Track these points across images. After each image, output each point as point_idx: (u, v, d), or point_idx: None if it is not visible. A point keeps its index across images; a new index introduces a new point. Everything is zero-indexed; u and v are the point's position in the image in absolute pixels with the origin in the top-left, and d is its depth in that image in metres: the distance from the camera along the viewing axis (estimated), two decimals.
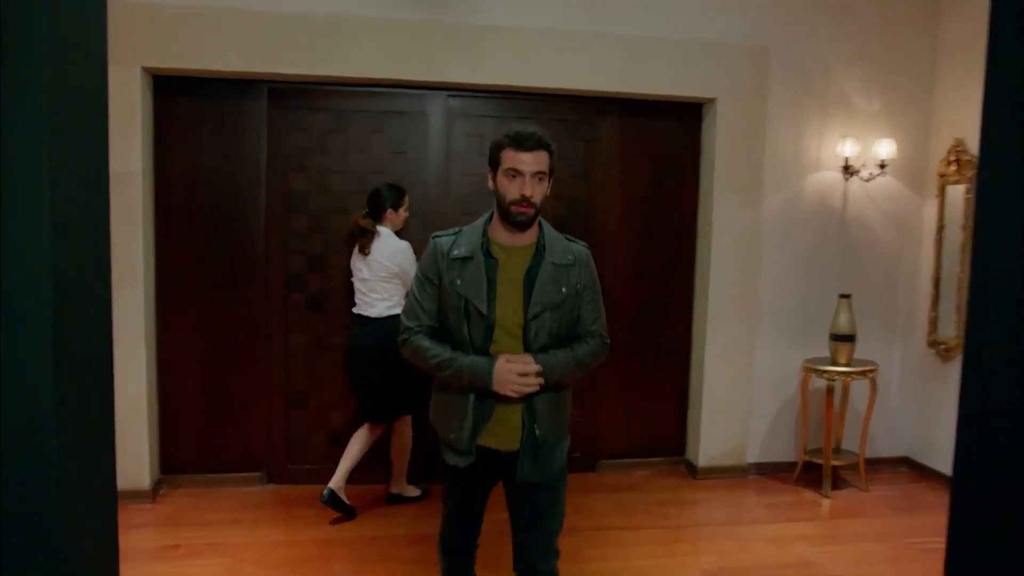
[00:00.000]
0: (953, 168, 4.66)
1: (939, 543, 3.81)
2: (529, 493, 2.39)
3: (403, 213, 4.04)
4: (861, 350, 4.66)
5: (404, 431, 4.13)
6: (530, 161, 2.20)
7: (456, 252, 2.26)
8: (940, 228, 4.79)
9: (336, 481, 3.97)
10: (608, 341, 2.45)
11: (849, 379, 4.57)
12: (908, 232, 4.89)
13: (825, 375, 4.53)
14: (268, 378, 4.39)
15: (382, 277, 3.91)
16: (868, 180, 4.72)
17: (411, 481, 4.28)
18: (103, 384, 1.55)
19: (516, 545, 2.48)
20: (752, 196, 4.62)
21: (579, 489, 4.47)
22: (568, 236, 2.41)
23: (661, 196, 4.75)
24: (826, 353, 4.64)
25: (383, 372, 3.91)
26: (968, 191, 4.56)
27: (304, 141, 4.34)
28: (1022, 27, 1.51)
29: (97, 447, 1.56)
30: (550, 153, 2.24)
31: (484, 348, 2.26)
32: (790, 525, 4.07)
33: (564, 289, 2.28)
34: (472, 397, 2.27)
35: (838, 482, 4.64)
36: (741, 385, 4.73)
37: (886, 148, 4.60)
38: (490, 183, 2.30)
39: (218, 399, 4.37)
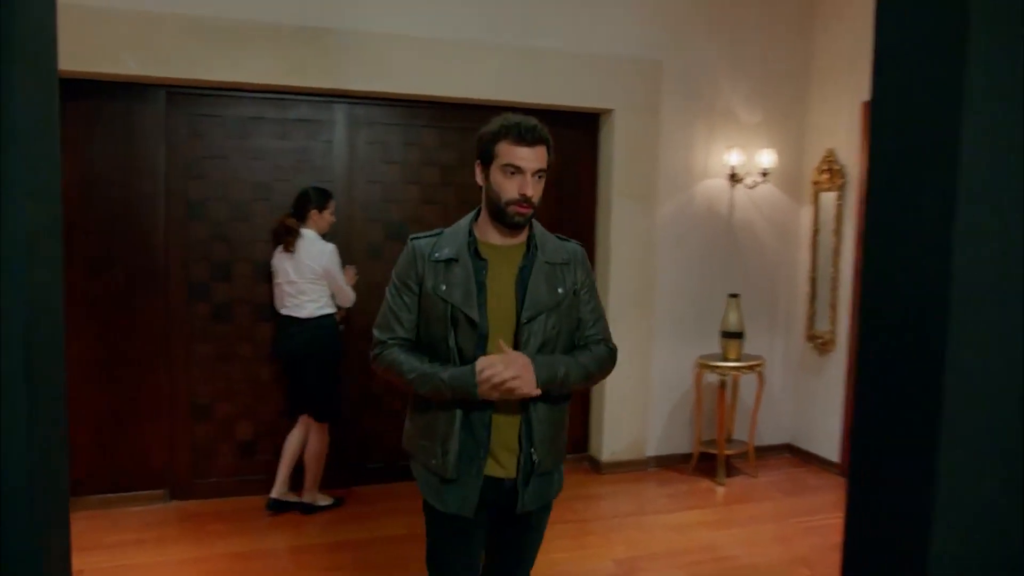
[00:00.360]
0: (826, 176, 5.06)
1: (823, 520, 4.15)
2: (520, 528, 2.15)
3: (328, 216, 4.06)
4: (748, 346, 5.00)
5: (322, 436, 4.13)
6: (532, 157, 1.98)
7: (439, 254, 2.00)
8: (815, 232, 5.19)
9: (278, 489, 4.12)
10: (614, 347, 2.20)
11: (739, 373, 4.89)
12: (787, 236, 5.27)
13: (717, 370, 4.83)
14: (171, 391, 4.26)
15: (310, 279, 3.95)
16: (752, 188, 5.07)
17: (323, 488, 4.26)
18: (59, 404, 1.54)
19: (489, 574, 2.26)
20: (647, 202, 4.86)
21: None
22: (559, 235, 2.19)
23: (562, 203, 4.92)
24: (717, 350, 4.95)
25: (317, 371, 4.03)
26: (839, 198, 4.97)
27: (205, 148, 4.24)
28: (904, 41, 1.72)
29: (56, 468, 1.55)
30: (549, 147, 2.03)
31: (476, 359, 1.96)
32: (690, 513, 4.33)
33: (560, 290, 2.04)
34: (459, 413, 1.98)
35: (731, 470, 4.96)
36: (640, 383, 4.96)
37: (767, 158, 4.95)
38: (478, 178, 2.06)
39: (117, 415, 4.20)
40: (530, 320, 1.99)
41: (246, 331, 4.34)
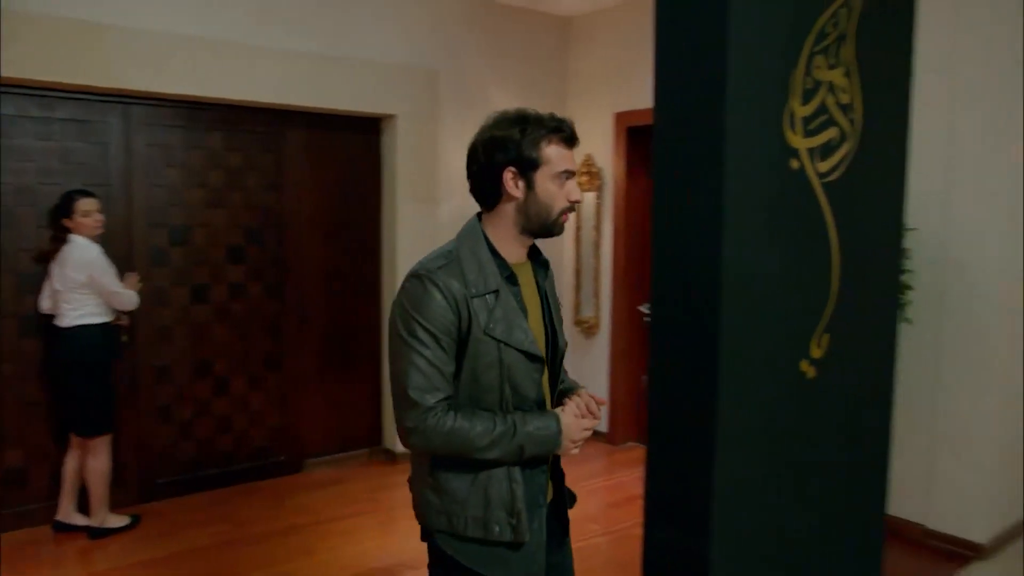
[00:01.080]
0: (585, 179, 5.66)
1: (600, 483, 4.75)
2: (565, 545, 2.01)
3: (82, 219, 3.82)
4: None
5: (102, 452, 3.92)
6: (575, 158, 1.79)
7: (476, 288, 1.67)
8: (578, 228, 5.78)
9: (62, 511, 3.96)
10: None
11: None
12: None
13: None
14: None
15: (71, 287, 3.78)
16: None
17: (113, 509, 4.06)
18: None
19: None
20: (429, 204, 5.14)
21: (292, 490, 4.64)
22: None
23: (348, 204, 5.06)
24: None
25: (81, 382, 3.84)
26: (598, 197, 5.60)
27: None
28: (676, 70, 2.14)
29: None
30: None
31: (541, 402, 1.77)
32: None
33: (558, 300, 1.92)
34: (517, 467, 1.72)
35: None
36: None
37: None
38: (514, 189, 1.73)
39: None
40: (563, 343, 1.86)
41: (9, 348, 3.99)
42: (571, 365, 5.60)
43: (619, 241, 5.51)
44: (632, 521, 4.21)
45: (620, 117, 5.39)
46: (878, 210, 2.77)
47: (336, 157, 4.97)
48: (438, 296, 1.64)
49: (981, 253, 3.73)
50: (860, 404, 2.72)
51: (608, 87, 5.46)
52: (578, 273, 5.79)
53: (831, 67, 2.49)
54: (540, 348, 1.76)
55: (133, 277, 4.06)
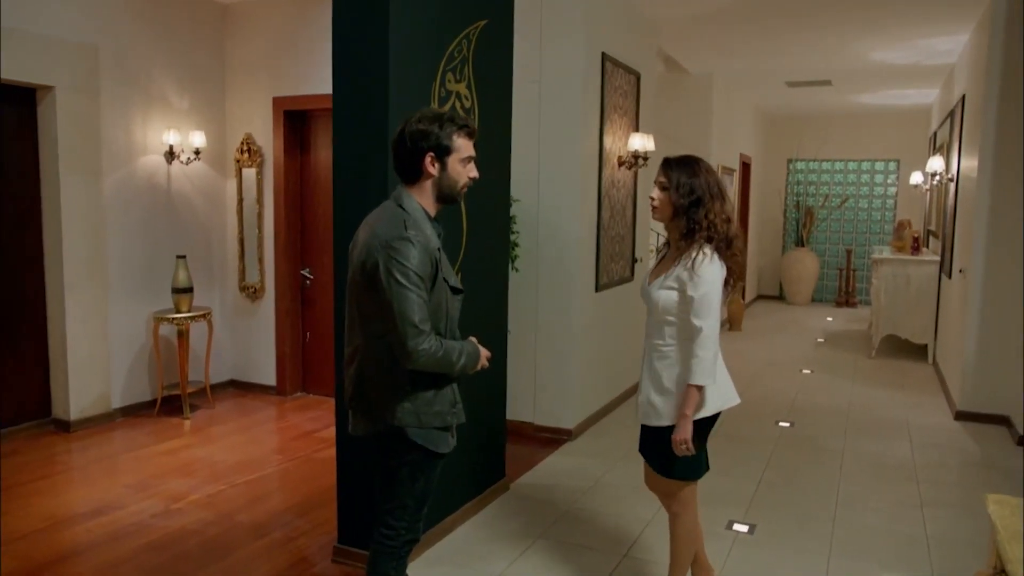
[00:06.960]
0: (246, 156, 6.16)
1: (276, 426, 5.45)
2: None
3: None
4: (197, 299, 5.85)
5: None
6: (472, 147, 2.35)
7: (434, 243, 2.23)
8: (240, 200, 6.27)
9: None
10: None
11: (190, 323, 5.71)
12: (217, 204, 6.24)
13: (173, 322, 5.58)
14: None
15: None
16: (187, 164, 5.87)
17: None
18: None
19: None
20: (93, 176, 5.26)
21: None
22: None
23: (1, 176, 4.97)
24: (171, 304, 5.67)
25: None
26: (258, 173, 6.14)
27: None
28: (350, 66, 3.03)
29: None
30: None
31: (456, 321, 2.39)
32: (173, 441, 5.08)
33: None
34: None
35: (192, 407, 5.77)
36: (99, 342, 5.37)
37: (198, 139, 5.81)
38: (431, 168, 2.25)
39: None
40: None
41: None
42: (241, 328, 6.17)
43: (279, 212, 6.12)
44: (308, 450, 4.94)
45: (278, 102, 5.98)
46: (491, 186, 3.94)
47: None
48: (422, 252, 2.16)
49: (562, 218, 5.12)
50: (484, 328, 3.87)
51: (266, 73, 6.01)
52: (242, 242, 6.28)
53: (457, 81, 3.56)
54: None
55: None
